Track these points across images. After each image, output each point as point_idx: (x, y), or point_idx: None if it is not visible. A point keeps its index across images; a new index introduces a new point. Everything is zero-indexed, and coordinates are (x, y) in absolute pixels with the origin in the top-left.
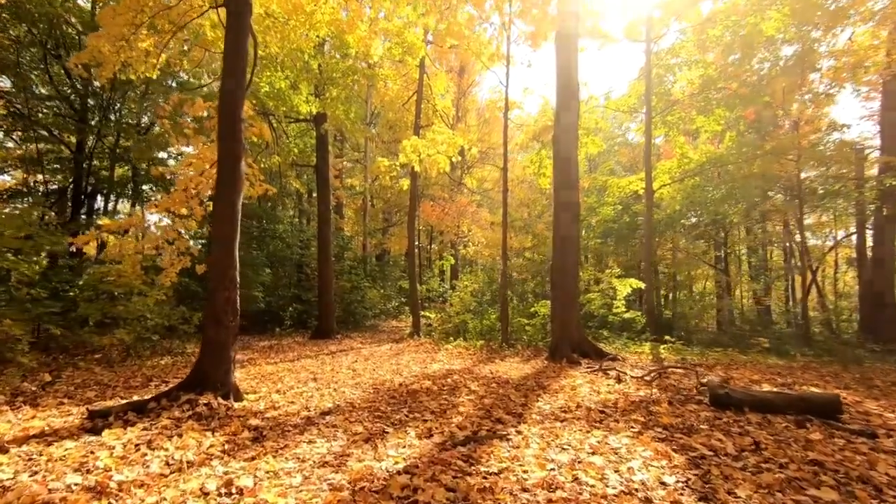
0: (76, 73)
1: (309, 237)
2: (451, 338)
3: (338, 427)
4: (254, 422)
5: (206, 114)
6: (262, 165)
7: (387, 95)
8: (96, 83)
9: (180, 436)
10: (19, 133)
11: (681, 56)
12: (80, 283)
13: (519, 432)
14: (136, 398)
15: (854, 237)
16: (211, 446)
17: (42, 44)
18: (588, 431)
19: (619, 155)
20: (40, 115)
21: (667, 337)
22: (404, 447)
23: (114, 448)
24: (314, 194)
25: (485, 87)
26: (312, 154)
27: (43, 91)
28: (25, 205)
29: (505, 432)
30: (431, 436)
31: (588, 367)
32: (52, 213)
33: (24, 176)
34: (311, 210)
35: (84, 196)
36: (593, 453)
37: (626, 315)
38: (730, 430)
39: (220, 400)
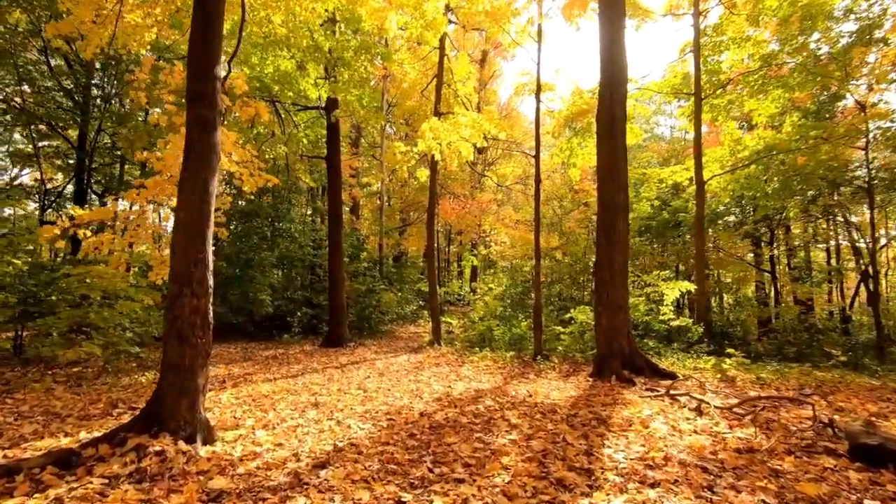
0: (67, 53)
1: (322, 237)
2: (476, 348)
3: (335, 490)
4: (218, 483)
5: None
6: (267, 157)
7: (404, 82)
8: (95, 80)
9: None
10: (19, 129)
11: (727, 34)
12: (56, 286)
13: None
14: (83, 435)
15: None
16: None
17: (41, 33)
18: None
19: (649, 151)
20: (41, 109)
21: (729, 350)
22: None
23: None
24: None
25: (506, 80)
26: (324, 146)
27: (46, 84)
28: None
29: None
30: None
31: (648, 389)
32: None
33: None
34: (325, 208)
35: (92, 195)
36: None
37: (675, 323)
38: None
39: (181, 445)
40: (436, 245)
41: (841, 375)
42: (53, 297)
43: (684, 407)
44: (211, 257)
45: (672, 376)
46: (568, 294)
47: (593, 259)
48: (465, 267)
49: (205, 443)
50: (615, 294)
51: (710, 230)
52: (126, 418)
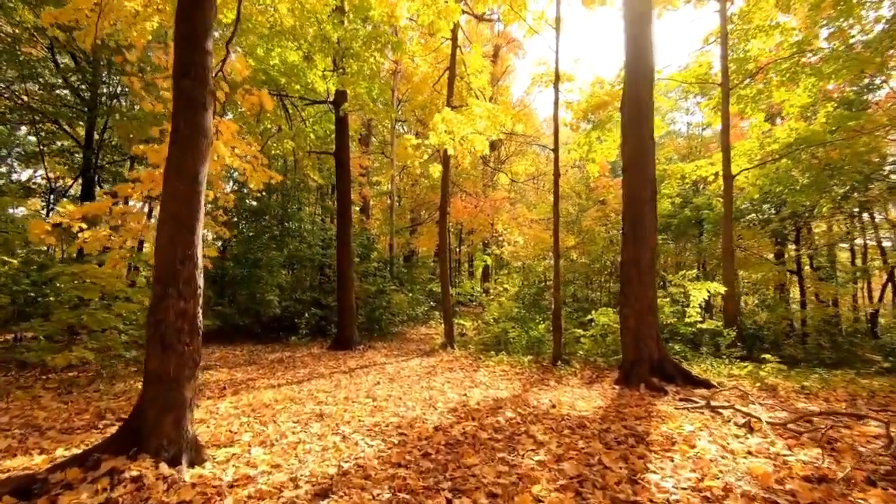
0: (74, 51)
1: (331, 236)
2: (492, 352)
3: None
4: None
5: None
6: (274, 152)
7: (415, 75)
8: (103, 75)
9: None
10: (26, 127)
11: (755, 22)
12: (51, 286)
13: None
14: (60, 452)
15: None
16: None
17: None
18: None
19: (666, 148)
20: (49, 108)
21: (766, 356)
22: None
23: None
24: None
25: (518, 77)
26: (332, 142)
27: (53, 81)
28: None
29: None
30: None
31: (682, 400)
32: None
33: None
34: (334, 207)
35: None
36: None
37: (703, 325)
38: None
39: (163, 468)
40: (447, 244)
41: (891, 384)
42: (51, 298)
43: (729, 422)
44: (201, 254)
45: (706, 384)
46: (583, 295)
47: (612, 258)
48: (477, 267)
49: (191, 464)
50: (643, 294)
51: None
52: (112, 430)
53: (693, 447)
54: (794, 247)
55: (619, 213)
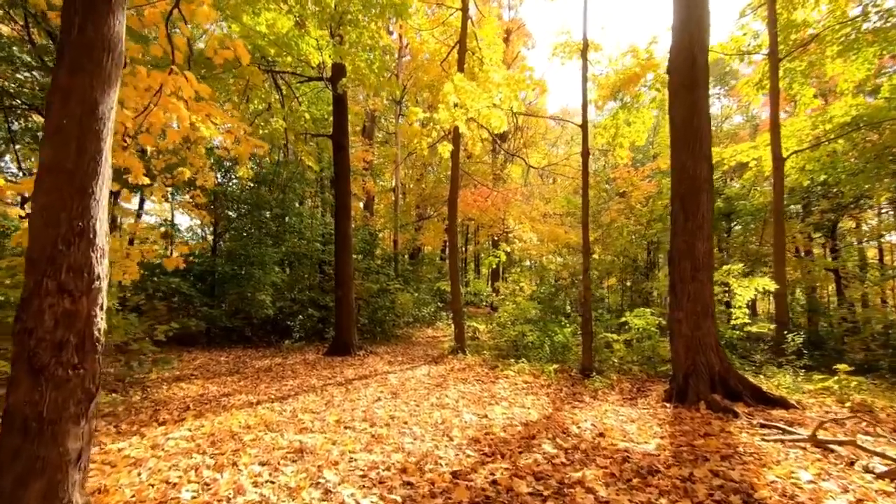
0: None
1: (331, 231)
2: (511, 359)
3: None
4: None
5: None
6: (263, 131)
7: (421, 52)
8: None
9: None
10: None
11: None
12: None
13: None
14: None
15: None
16: None
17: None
18: None
19: None
20: (22, 90)
21: (839, 365)
22: None
23: None
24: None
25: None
26: (330, 126)
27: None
28: None
29: None
30: None
31: (763, 426)
32: None
33: None
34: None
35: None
36: None
37: (753, 328)
38: None
39: None
40: (457, 238)
41: None
42: None
43: (853, 464)
44: (105, 231)
45: (782, 403)
46: (599, 294)
47: (638, 254)
48: (483, 264)
49: None
50: (698, 293)
51: (765, 221)
52: None
53: None
54: (829, 241)
55: (643, 205)
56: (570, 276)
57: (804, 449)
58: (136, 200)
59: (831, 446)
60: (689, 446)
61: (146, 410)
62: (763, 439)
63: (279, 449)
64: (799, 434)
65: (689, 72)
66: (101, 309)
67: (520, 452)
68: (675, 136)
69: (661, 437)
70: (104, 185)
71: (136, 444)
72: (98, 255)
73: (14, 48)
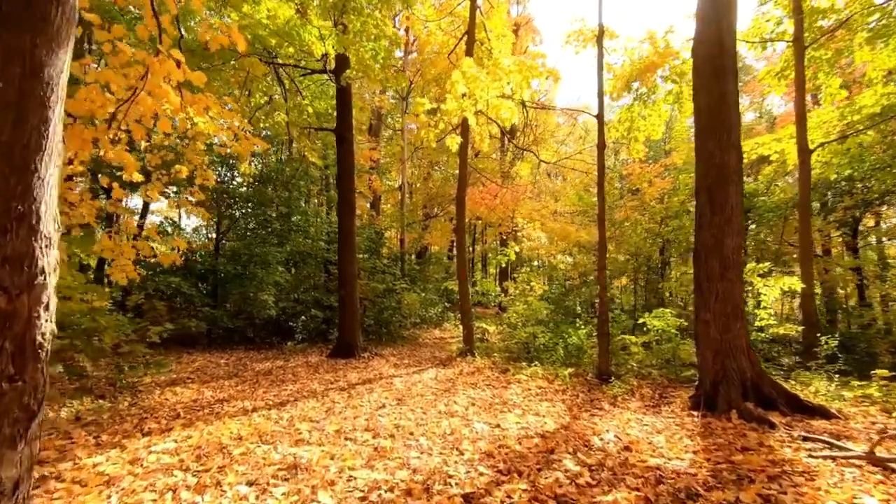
0: None
1: (336, 230)
2: (524, 362)
3: None
4: None
5: None
6: (264, 125)
7: (429, 44)
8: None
9: None
10: None
11: None
12: None
13: None
14: None
15: None
16: None
17: None
18: None
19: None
20: None
21: (877, 371)
22: None
23: None
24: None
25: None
26: (334, 121)
27: None
28: None
29: None
30: None
31: (806, 439)
32: None
33: None
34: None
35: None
36: None
37: (780, 330)
38: None
39: None
40: (465, 235)
41: None
42: None
43: None
44: (54, 217)
45: (823, 413)
46: (612, 295)
47: (652, 254)
48: (490, 264)
49: None
50: (727, 293)
51: (786, 218)
52: None
53: None
54: (851, 240)
55: (658, 201)
56: (580, 276)
57: (860, 468)
58: (141, 201)
59: (892, 465)
60: (727, 463)
61: (132, 418)
62: (811, 455)
63: (271, 465)
64: (851, 450)
65: (717, 56)
66: (47, 309)
67: (538, 470)
68: (700, 124)
69: (695, 452)
70: (52, 162)
71: (114, 457)
72: (42, 245)
73: None
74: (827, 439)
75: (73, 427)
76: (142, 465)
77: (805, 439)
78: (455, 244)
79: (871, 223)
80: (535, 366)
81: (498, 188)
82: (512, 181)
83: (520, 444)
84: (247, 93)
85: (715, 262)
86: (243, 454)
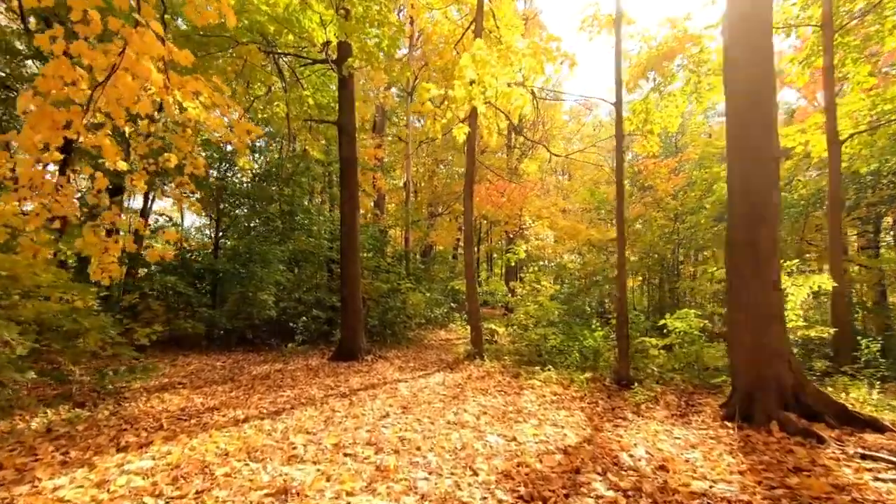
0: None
1: (339, 228)
2: (536, 366)
3: None
4: None
5: None
6: (263, 115)
7: (435, 35)
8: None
9: None
10: None
11: None
12: None
13: None
14: None
15: None
16: None
17: None
18: None
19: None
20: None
21: None
22: None
23: None
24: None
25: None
26: (336, 114)
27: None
28: None
29: None
30: None
31: (864, 457)
32: None
33: None
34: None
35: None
36: None
37: (811, 332)
38: None
39: None
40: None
41: None
42: None
43: None
44: None
45: (874, 425)
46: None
47: (666, 253)
48: (496, 264)
49: None
50: (763, 293)
51: (807, 215)
52: None
53: None
54: (873, 238)
55: (673, 197)
56: (587, 276)
57: None
58: (141, 202)
59: None
60: (784, 488)
61: (109, 430)
62: (877, 478)
63: (258, 489)
64: None
65: (751, 33)
66: None
67: (566, 496)
68: (732, 107)
69: (741, 473)
70: None
71: (79, 479)
72: None
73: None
74: (888, 457)
75: (41, 440)
76: (108, 490)
77: (864, 457)
78: (462, 241)
79: (890, 220)
80: (549, 370)
81: (505, 185)
82: (519, 178)
83: (540, 461)
84: (245, 83)
85: (749, 258)
86: (227, 475)
